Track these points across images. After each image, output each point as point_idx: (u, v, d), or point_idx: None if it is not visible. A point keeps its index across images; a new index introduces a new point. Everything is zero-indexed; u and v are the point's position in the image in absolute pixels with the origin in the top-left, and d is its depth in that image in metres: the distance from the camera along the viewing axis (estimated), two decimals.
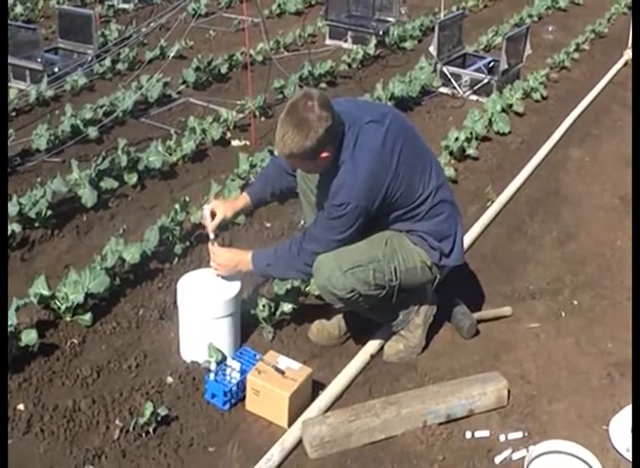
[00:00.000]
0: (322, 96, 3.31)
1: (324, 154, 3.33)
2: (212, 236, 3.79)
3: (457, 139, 6.17)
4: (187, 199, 4.86)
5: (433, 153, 3.85)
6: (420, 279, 3.72)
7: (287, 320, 4.07)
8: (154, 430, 3.33)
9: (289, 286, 4.11)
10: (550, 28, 10.54)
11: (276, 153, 3.57)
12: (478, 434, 3.41)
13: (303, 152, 3.28)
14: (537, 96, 7.74)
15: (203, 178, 5.62)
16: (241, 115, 6.64)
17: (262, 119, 6.78)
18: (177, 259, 4.56)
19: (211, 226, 3.80)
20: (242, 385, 3.50)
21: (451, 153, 6.10)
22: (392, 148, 3.42)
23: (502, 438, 3.40)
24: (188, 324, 3.73)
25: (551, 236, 5.17)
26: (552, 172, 6.16)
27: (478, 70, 7.94)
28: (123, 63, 7.93)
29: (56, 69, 7.32)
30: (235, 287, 3.73)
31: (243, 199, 3.98)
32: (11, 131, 5.81)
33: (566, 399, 3.65)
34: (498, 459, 3.29)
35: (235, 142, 6.31)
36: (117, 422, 3.37)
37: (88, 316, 3.96)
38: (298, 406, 3.43)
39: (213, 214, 3.82)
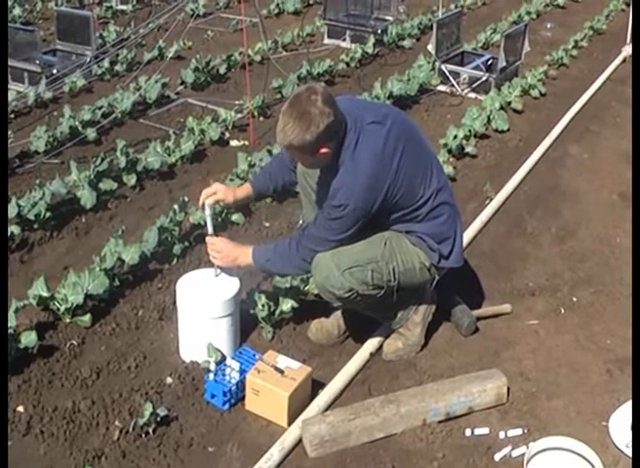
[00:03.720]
0: (326, 92, 3.30)
1: (324, 150, 3.32)
2: (210, 229, 3.79)
3: (455, 137, 6.17)
4: (186, 199, 4.85)
5: (435, 154, 3.85)
6: (419, 279, 3.72)
7: (286, 319, 4.07)
8: (154, 430, 3.33)
9: (288, 285, 4.11)
10: (549, 25, 10.57)
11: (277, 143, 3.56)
12: (478, 431, 3.41)
13: (303, 145, 3.27)
14: (535, 93, 7.75)
15: (202, 179, 5.62)
16: (240, 115, 6.66)
17: (261, 119, 6.79)
18: (176, 260, 4.56)
19: (209, 199, 3.79)
20: (241, 385, 3.50)
21: (449, 151, 6.10)
22: (393, 150, 3.41)
23: (502, 435, 3.39)
24: (188, 324, 3.73)
25: (550, 233, 5.17)
26: (551, 168, 6.16)
27: (476, 68, 7.95)
28: (121, 65, 7.95)
29: (54, 71, 7.33)
30: (234, 287, 3.73)
31: (245, 189, 3.97)
32: (9, 133, 5.81)
33: (565, 395, 3.65)
34: (497, 456, 3.28)
35: (234, 142, 6.32)
36: (117, 423, 3.37)
37: (87, 317, 3.97)
38: (297, 405, 3.43)
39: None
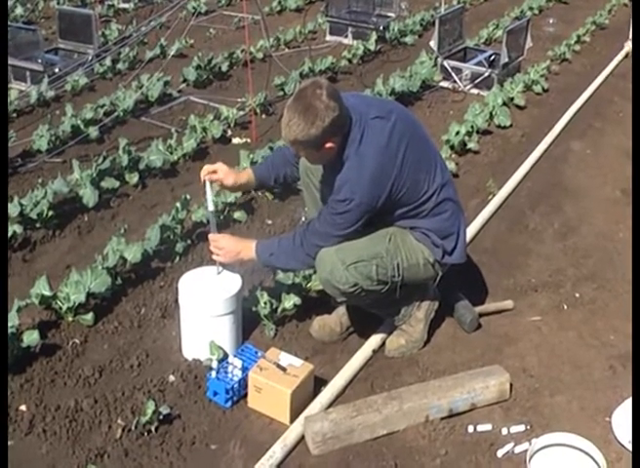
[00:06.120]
0: (331, 86, 3.30)
1: (329, 144, 3.32)
2: (213, 227, 3.77)
3: (458, 133, 6.16)
4: (188, 197, 4.85)
5: (438, 151, 3.85)
6: (423, 275, 3.72)
7: (288, 316, 4.07)
8: (156, 429, 3.34)
9: (290, 282, 4.11)
10: (551, 21, 10.57)
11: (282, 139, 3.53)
12: (480, 428, 3.41)
13: (308, 140, 3.27)
14: (538, 88, 7.75)
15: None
16: (242, 113, 6.65)
17: (263, 116, 6.79)
18: (178, 258, 4.56)
19: (209, 177, 3.74)
20: (244, 383, 3.50)
21: (452, 147, 6.10)
22: (398, 146, 3.41)
23: (505, 431, 3.39)
24: (190, 322, 3.73)
25: (553, 229, 5.16)
26: (553, 165, 6.15)
27: (479, 64, 7.94)
28: (123, 63, 7.95)
29: (56, 70, 7.33)
30: (236, 284, 3.73)
31: (247, 174, 3.91)
32: (12, 131, 5.83)
33: (568, 391, 3.65)
34: (500, 453, 3.28)
35: (236, 140, 6.31)
36: (119, 421, 3.37)
37: (90, 316, 3.97)
38: (300, 402, 3.43)
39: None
